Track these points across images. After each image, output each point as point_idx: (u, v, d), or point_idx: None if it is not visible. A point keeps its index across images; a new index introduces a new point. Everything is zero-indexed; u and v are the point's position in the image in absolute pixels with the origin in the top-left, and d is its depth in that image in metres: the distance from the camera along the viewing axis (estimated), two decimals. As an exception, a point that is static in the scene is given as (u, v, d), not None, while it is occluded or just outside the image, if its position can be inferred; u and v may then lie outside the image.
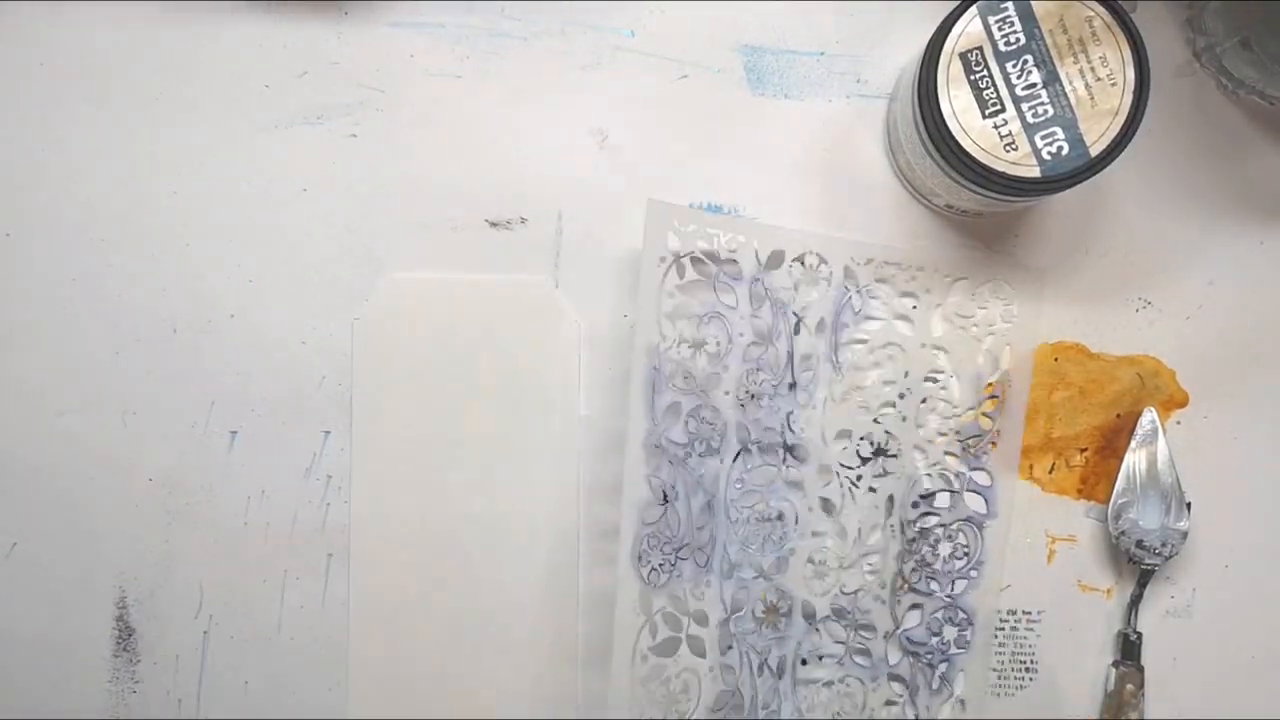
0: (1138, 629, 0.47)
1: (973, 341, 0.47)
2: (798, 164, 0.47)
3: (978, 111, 0.40)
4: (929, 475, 0.47)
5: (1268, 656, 0.48)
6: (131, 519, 0.47)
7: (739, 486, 0.46)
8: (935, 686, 0.47)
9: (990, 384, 0.47)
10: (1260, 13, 0.44)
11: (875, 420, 0.47)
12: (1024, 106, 0.40)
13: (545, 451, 0.47)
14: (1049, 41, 0.40)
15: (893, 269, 0.46)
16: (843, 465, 0.47)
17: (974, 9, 0.40)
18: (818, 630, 0.47)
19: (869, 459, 0.47)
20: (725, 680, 0.46)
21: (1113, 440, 0.47)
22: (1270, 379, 0.48)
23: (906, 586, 0.47)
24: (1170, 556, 0.47)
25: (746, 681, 0.46)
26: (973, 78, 0.40)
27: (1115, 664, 0.47)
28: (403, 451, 0.47)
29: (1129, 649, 0.47)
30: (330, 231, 0.47)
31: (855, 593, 0.47)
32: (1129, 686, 0.47)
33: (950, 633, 0.47)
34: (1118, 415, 0.47)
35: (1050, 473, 0.47)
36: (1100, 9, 0.40)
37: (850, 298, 0.46)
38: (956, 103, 0.40)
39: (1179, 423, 0.48)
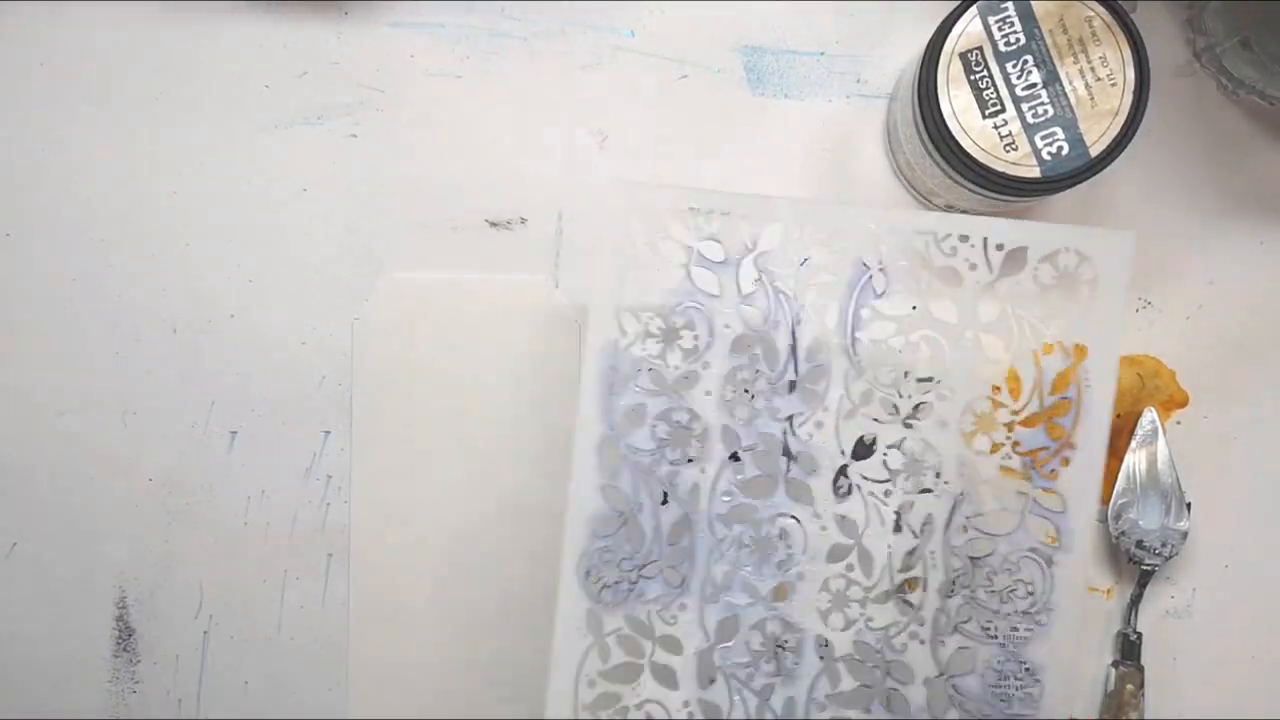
0: (1138, 629, 0.47)
1: (1036, 327, 0.39)
2: (798, 164, 0.47)
3: (978, 111, 0.40)
4: (980, 494, 0.40)
5: (1268, 656, 0.48)
6: (132, 519, 0.47)
7: (727, 500, 0.40)
8: None
9: (1062, 382, 0.40)
10: (1260, 13, 0.44)
11: (907, 424, 0.41)
12: (1024, 106, 0.40)
13: (548, 450, 0.47)
14: (1049, 41, 0.40)
15: (926, 239, 0.39)
16: (866, 478, 0.41)
17: (974, 9, 0.40)
18: (837, 669, 0.40)
19: (899, 471, 0.41)
20: (705, 716, 0.41)
21: (1113, 440, 0.47)
22: (1270, 379, 0.48)
23: (953, 627, 0.40)
24: (1170, 556, 0.47)
25: None
26: (973, 78, 0.40)
27: (1115, 664, 0.47)
28: (403, 451, 0.47)
29: (1129, 649, 0.47)
30: (330, 231, 0.47)
31: (886, 628, 0.41)
32: (1129, 686, 0.47)
33: (1012, 688, 0.40)
34: (1118, 415, 0.47)
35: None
36: (1100, 9, 0.40)
37: (870, 277, 0.40)
38: (956, 103, 0.40)
39: (1179, 423, 0.48)
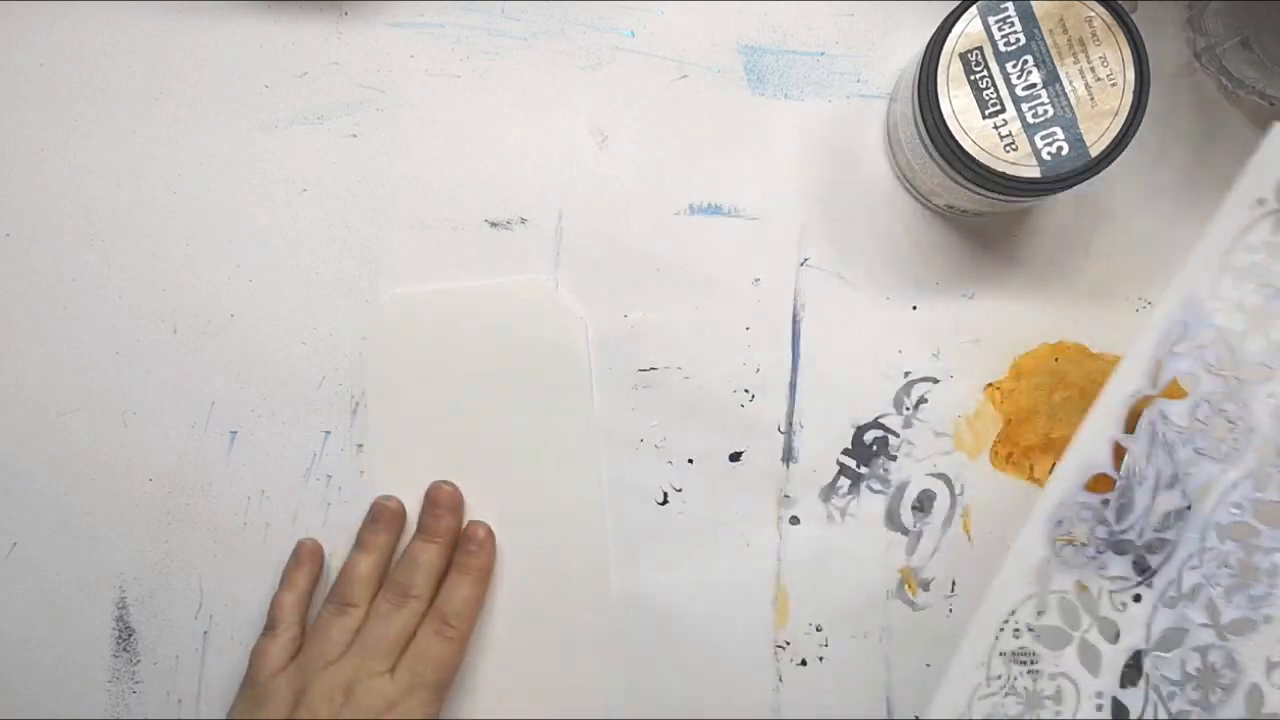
0: (1139, 629, 0.47)
1: None
2: (798, 164, 0.47)
3: (978, 112, 0.40)
4: None
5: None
6: (131, 519, 0.47)
7: (1235, 512, 0.36)
8: None
9: None
10: (1260, 13, 0.44)
11: None
12: (1024, 107, 0.40)
13: (564, 452, 0.47)
14: (1049, 42, 0.40)
15: None
16: None
17: (974, 9, 0.40)
18: None
19: None
20: (1112, 715, 0.37)
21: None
22: (1270, 379, 0.48)
23: None
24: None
25: None
26: (973, 78, 0.40)
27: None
28: (419, 465, 0.47)
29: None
30: (330, 231, 0.47)
31: None
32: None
33: None
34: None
35: (1051, 473, 0.47)
36: (1100, 9, 0.40)
37: None
38: (956, 103, 0.40)
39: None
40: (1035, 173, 0.40)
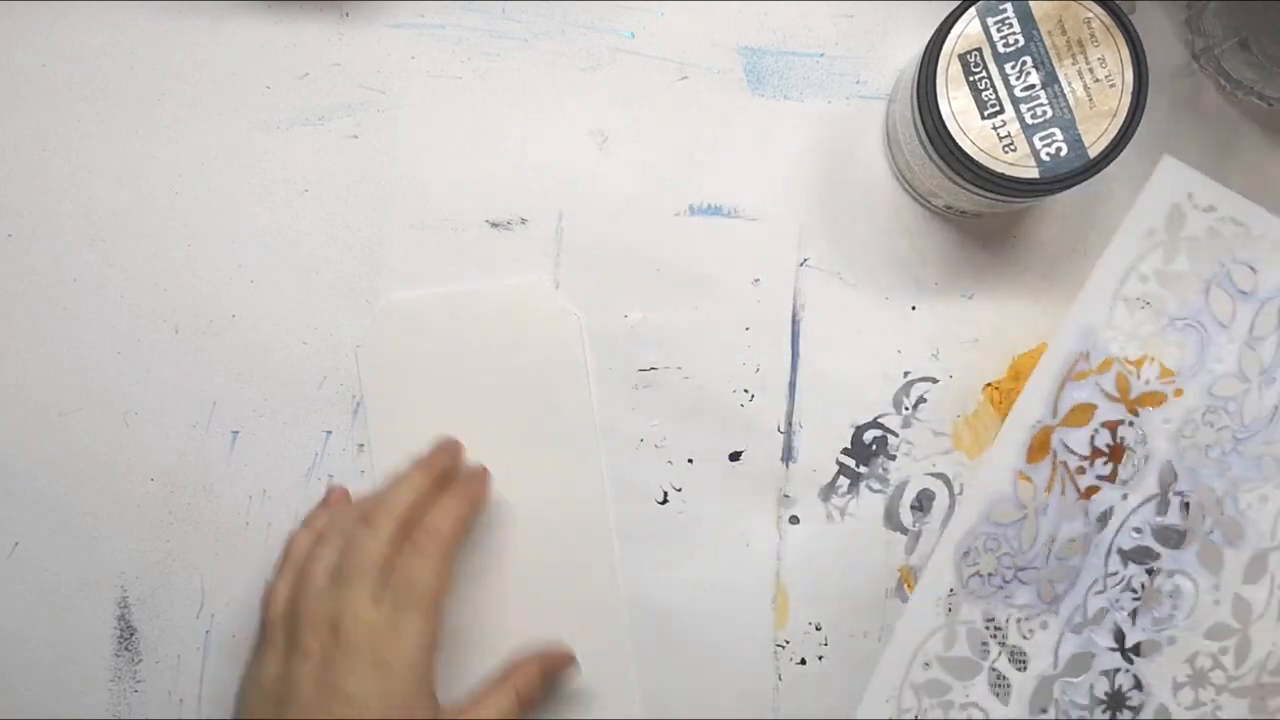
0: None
1: None
2: (797, 164, 0.47)
3: (977, 113, 0.40)
4: None
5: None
6: (133, 519, 0.47)
7: (1135, 536, 0.37)
8: None
9: None
10: (1259, 14, 0.44)
11: None
12: (1023, 108, 0.40)
13: (565, 451, 0.47)
14: (1048, 43, 0.40)
15: None
16: None
17: (973, 10, 0.40)
18: None
19: None
20: None
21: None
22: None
23: None
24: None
25: None
26: (972, 79, 0.40)
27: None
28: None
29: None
30: (331, 232, 0.47)
31: None
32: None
33: None
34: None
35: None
36: (1099, 10, 0.40)
37: None
38: (955, 104, 0.40)
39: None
40: (1034, 173, 0.40)
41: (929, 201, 0.46)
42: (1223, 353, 0.35)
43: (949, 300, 0.47)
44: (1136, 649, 0.37)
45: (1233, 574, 0.37)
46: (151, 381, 0.47)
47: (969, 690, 0.37)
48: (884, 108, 0.47)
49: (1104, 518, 0.37)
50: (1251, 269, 0.35)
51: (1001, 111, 0.40)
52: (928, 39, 0.41)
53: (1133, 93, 0.40)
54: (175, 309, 0.47)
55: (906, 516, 0.47)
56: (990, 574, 0.37)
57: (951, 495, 0.47)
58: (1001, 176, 0.40)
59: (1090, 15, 0.40)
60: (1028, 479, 0.37)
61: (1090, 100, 0.40)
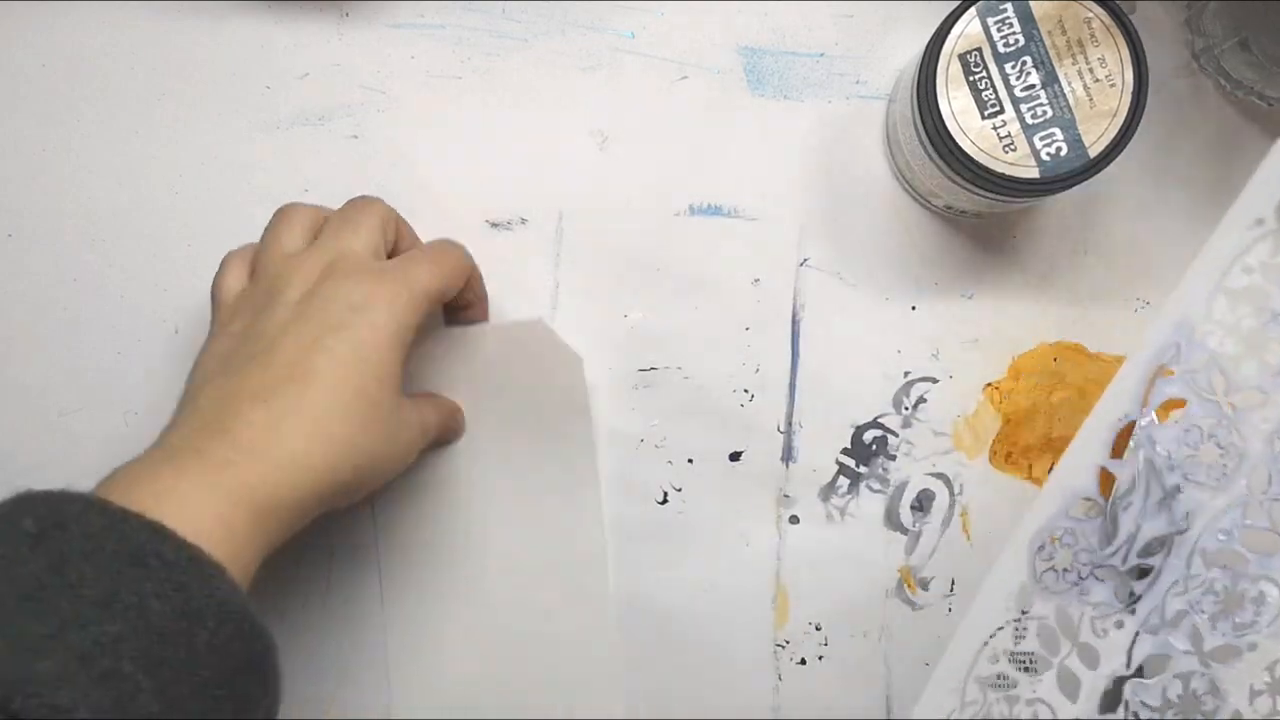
0: (1138, 628, 0.47)
1: None
2: (797, 164, 0.47)
3: (977, 112, 0.40)
4: None
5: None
6: (132, 519, 0.47)
7: (1222, 539, 0.35)
8: None
9: None
10: (1259, 14, 0.44)
11: None
12: (1023, 107, 0.40)
13: (565, 496, 0.45)
14: (1048, 43, 0.40)
15: None
16: None
17: (973, 10, 0.40)
18: None
19: None
20: None
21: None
22: (1268, 379, 0.48)
23: None
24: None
25: None
26: (972, 79, 0.40)
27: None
28: (425, 517, 0.46)
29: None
30: (331, 232, 0.47)
31: None
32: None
33: None
34: (1116, 415, 0.47)
35: (1050, 473, 0.47)
36: (1099, 10, 0.40)
37: None
38: (955, 104, 0.40)
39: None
40: (1034, 173, 0.40)
41: (929, 201, 0.46)
42: None
43: (949, 300, 0.47)
44: (1215, 654, 0.36)
45: None
46: (152, 382, 0.47)
47: (1036, 686, 0.36)
48: (884, 108, 0.47)
49: (1189, 518, 0.36)
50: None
51: (1001, 111, 0.40)
52: (928, 39, 0.41)
53: (1133, 93, 0.40)
54: (175, 309, 0.47)
55: (906, 516, 0.47)
56: (1065, 569, 0.36)
57: (951, 495, 0.47)
58: (1001, 176, 0.40)
59: (1090, 15, 0.40)
60: (1111, 474, 0.35)
61: (1090, 100, 0.40)
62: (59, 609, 0.28)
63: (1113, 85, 0.40)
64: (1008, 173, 0.40)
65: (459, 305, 0.43)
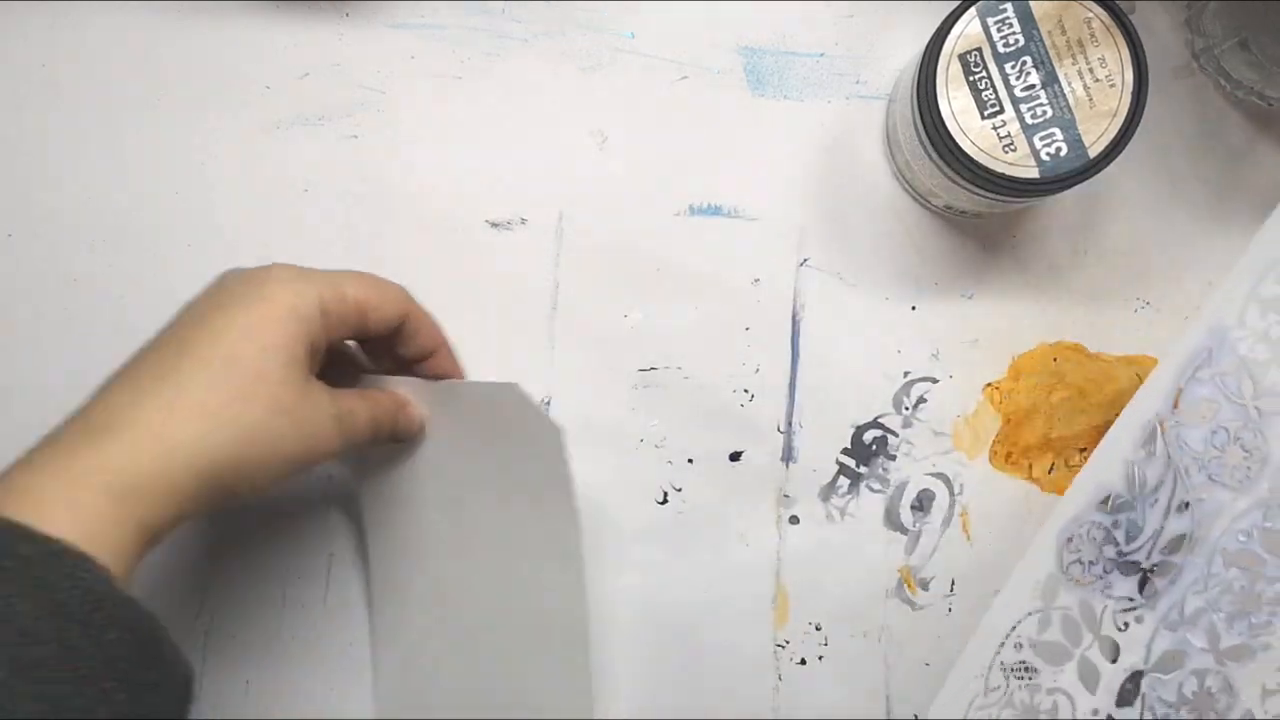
0: (1138, 628, 0.47)
1: None
2: (797, 164, 0.47)
3: (977, 112, 0.40)
4: None
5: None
6: (132, 519, 0.47)
7: (1242, 540, 0.36)
8: None
9: None
10: (1259, 14, 0.44)
11: None
12: (1023, 107, 0.40)
13: (544, 563, 0.42)
14: (1048, 43, 0.40)
15: None
16: None
17: (973, 10, 0.40)
18: None
19: None
20: None
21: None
22: (1268, 379, 0.48)
23: None
24: (1170, 556, 0.47)
25: None
26: (972, 79, 0.40)
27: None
28: (417, 577, 0.44)
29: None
30: (331, 232, 0.47)
31: None
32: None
33: None
34: (1117, 415, 0.47)
35: (1050, 472, 0.47)
36: (1099, 10, 0.40)
37: None
38: (955, 104, 0.40)
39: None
40: (1034, 173, 0.40)
41: (929, 201, 0.46)
42: None
43: (949, 300, 0.47)
44: (1230, 652, 0.37)
45: None
46: (151, 381, 0.47)
47: (1057, 676, 0.37)
48: (884, 108, 0.47)
49: (1212, 518, 0.37)
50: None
51: (1001, 111, 0.40)
52: (928, 39, 0.41)
53: (1133, 93, 0.40)
54: (175, 309, 0.47)
55: (906, 516, 0.47)
56: (1092, 562, 0.37)
57: (951, 495, 0.47)
58: (1001, 176, 0.40)
59: (1090, 15, 0.40)
60: (1139, 471, 0.37)
61: (1090, 100, 0.40)
62: None
63: (1113, 85, 0.40)
64: (1008, 173, 0.40)
65: (415, 354, 0.40)
